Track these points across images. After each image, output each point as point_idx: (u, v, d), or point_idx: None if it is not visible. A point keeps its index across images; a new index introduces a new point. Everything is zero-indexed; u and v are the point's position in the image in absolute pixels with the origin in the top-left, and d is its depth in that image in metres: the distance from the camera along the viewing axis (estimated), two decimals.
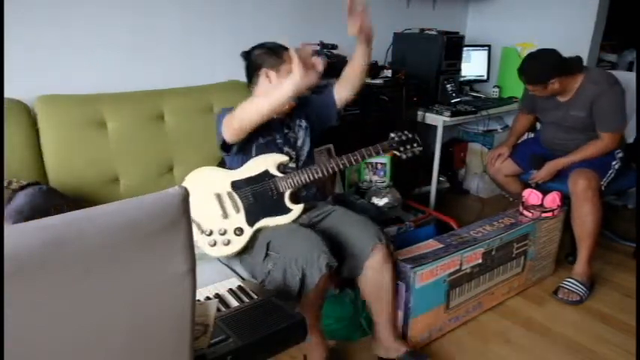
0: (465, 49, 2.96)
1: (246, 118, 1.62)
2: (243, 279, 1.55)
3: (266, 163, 1.75)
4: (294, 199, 1.75)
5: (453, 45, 2.81)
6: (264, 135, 1.77)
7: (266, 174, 1.74)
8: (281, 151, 1.80)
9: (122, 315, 0.73)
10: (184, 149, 2.13)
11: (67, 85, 1.99)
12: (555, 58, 2.24)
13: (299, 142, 1.87)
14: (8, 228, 0.60)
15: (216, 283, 1.47)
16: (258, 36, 2.55)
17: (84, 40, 2.05)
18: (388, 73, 2.65)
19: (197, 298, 1.27)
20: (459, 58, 2.89)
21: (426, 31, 2.87)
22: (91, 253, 0.66)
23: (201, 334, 1.09)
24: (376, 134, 2.57)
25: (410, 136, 1.89)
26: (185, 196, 0.73)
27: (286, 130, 1.85)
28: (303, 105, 1.88)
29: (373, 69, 2.63)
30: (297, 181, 1.73)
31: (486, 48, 3.41)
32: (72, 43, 2.03)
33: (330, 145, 2.42)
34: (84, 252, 0.65)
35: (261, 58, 1.79)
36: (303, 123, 1.89)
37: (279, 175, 1.74)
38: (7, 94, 1.76)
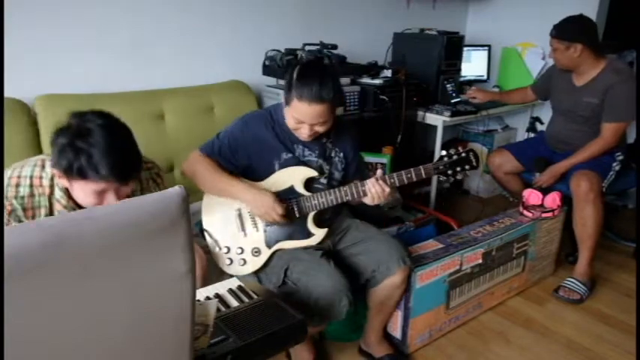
0: (465, 49, 2.95)
1: (196, 180, 1.63)
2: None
3: (292, 178, 1.62)
4: (318, 221, 1.65)
5: (453, 45, 2.80)
6: (286, 151, 1.62)
7: (291, 191, 1.62)
8: (313, 164, 1.65)
9: (122, 315, 0.73)
10: (184, 149, 2.13)
11: (67, 85, 1.99)
12: (590, 26, 2.29)
13: (334, 158, 1.71)
14: (9, 228, 0.60)
15: (216, 283, 1.47)
16: (258, 36, 2.57)
17: (84, 40, 2.05)
18: (388, 73, 2.65)
19: (197, 298, 1.27)
20: (459, 58, 2.89)
21: (426, 31, 2.87)
22: (91, 253, 0.66)
23: (201, 334, 1.09)
24: (376, 134, 2.59)
25: (464, 155, 1.65)
26: (185, 196, 0.73)
27: (324, 140, 1.68)
28: (344, 139, 1.71)
29: (373, 69, 2.63)
30: (323, 204, 1.60)
31: (486, 48, 3.41)
32: (72, 43, 2.03)
33: None
34: (84, 252, 0.65)
35: (298, 90, 1.49)
36: (341, 154, 1.72)
37: (305, 193, 1.62)
38: (7, 94, 1.77)
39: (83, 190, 1.16)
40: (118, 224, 0.68)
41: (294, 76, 1.50)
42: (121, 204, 0.72)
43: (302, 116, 1.51)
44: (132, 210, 0.71)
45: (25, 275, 0.60)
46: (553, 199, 2.25)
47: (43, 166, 1.24)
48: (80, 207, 1.26)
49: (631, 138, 2.58)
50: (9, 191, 1.20)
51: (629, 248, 2.71)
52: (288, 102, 1.54)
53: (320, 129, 1.56)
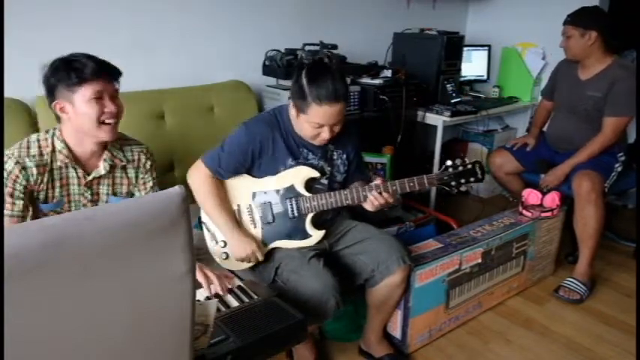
0: (465, 49, 2.95)
1: (195, 198, 1.63)
2: (242, 279, 1.54)
3: (293, 177, 1.61)
4: (317, 221, 1.64)
5: (453, 45, 2.80)
6: (291, 157, 1.61)
7: (291, 190, 1.61)
8: (315, 166, 1.63)
9: (122, 315, 0.73)
10: (184, 149, 2.13)
11: None
12: (606, 18, 2.32)
13: (336, 160, 1.70)
14: (8, 228, 0.60)
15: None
16: (258, 36, 2.57)
17: (84, 40, 2.05)
18: (388, 73, 2.65)
19: (197, 298, 1.27)
20: (459, 58, 2.89)
21: (426, 31, 2.87)
22: (91, 253, 0.66)
23: (201, 334, 1.09)
24: (376, 134, 2.59)
25: (469, 167, 1.60)
26: (185, 196, 0.74)
27: (327, 144, 1.65)
28: (345, 140, 1.70)
29: (373, 69, 2.63)
30: (322, 205, 1.60)
31: (486, 48, 3.41)
32: (72, 44, 2.02)
33: None
34: (84, 252, 0.65)
35: (314, 94, 1.47)
36: (343, 156, 1.72)
37: (305, 194, 1.60)
38: (7, 94, 1.76)
39: (83, 99, 1.33)
40: (118, 224, 0.68)
41: (304, 81, 1.47)
42: (121, 204, 0.73)
43: (323, 119, 1.49)
44: (132, 210, 0.71)
45: (25, 275, 0.60)
46: (552, 199, 2.25)
47: (46, 132, 1.43)
48: (76, 157, 1.42)
49: (631, 138, 2.58)
50: (21, 152, 1.36)
51: (629, 248, 2.71)
52: (303, 110, 1.49)
53: (337, 128, 1.55)
